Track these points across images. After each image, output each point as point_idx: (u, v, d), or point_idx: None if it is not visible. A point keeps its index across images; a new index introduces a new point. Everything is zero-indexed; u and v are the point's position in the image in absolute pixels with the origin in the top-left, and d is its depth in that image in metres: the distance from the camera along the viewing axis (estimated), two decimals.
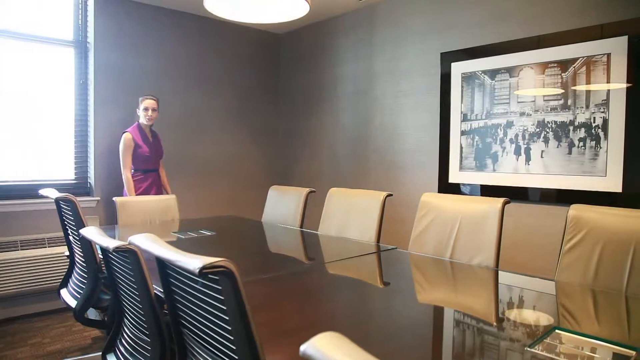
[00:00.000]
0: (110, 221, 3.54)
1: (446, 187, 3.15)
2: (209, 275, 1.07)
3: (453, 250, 2.01)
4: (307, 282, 1.70)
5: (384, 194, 2.38)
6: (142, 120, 3.38)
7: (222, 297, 1.04)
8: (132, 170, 3.37)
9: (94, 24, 3.47)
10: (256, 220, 3.10)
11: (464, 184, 3.07)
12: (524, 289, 1.67)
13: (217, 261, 0.98)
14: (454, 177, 3.11)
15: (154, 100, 3.39)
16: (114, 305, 1.87)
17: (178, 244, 2.29)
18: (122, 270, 1.61)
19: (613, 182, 2.43)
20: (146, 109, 3.35)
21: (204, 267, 0.97)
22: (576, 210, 1.74)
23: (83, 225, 2.09)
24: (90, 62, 3.50)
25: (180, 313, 1.32)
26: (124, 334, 1.82)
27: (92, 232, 1.65)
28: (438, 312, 1.43)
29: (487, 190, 2.94)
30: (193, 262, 1.01)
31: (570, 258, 1.71)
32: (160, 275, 1.32)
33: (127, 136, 3.33)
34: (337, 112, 4.05)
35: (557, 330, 1.22)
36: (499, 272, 1.82)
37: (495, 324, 1.31)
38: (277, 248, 2.46)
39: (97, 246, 1.92)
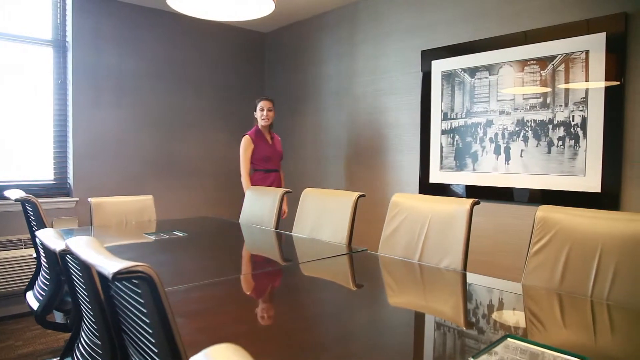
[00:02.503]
0: (89, 222, 3.50)
1: (427, 187, 3.10)
2: (133, 280, 1.03)
3: (422, 253, 1.95)
4: (267, 284, 1.65)
5: (356, 194, 2.33)
6: (260, 121, 3.44)
7: (143, 301, 1.00)
8: (253, 171, 3.47)
9: (72, 23, 3.43)
10: (233, 221, 3.05)
11: (444, 184, 3.01)
12: (488, 293, 1.62)
13: (133, 266, 0.94)
14: (435, 177, 3.05)
15: (269, 100, 3.46)
16: (75, 309, 1.83)
17: (147, 246, 2.25)
18: (76, 273, 1.57)
19: (592, 182, 2.36)
20: (262, 109, 3.41)
21: (117, 272, 0.93)
22: (544, 211, 1.68)
23: (44, 227, 2.05)
24: (68, 62, 3.46)
25: (119, 317, 1.28)
26: (81, 338, 1.78)
27: (45, 234, 1.61)
28: (392, 318, 1.38)
29: (467, 191, 2.88)
30: (110, 266, 0.96)
31: (537, 261, 1.65)
32: (99, 279, 1.29)
33: (245, 138, 3.44)
34: (319, 112, 4.00)
35: (509, 339, 1.17)
36: (466, 275, 1.77)
37: (449, 331, 1.26)
38: (245, 249, 2.41)
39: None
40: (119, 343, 1.32)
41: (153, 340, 1.01)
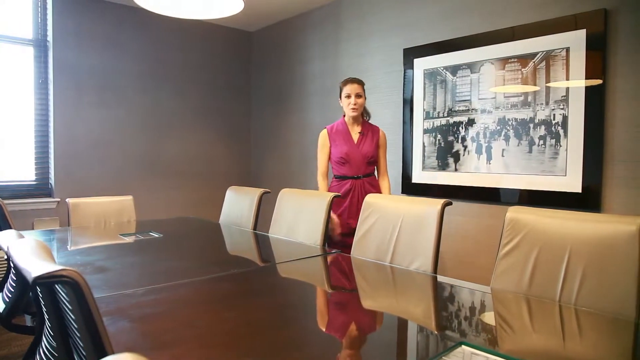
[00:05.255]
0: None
1: (410, 187, 3.05)
2: (61, 284, 1.00)
3: (393, 254, 1.91)
4: (231, 287, 1.61)
5: (331, 195, 2.28)
6: (347, 111, 2.60)
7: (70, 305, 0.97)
8: (332, 176, 2.68)
9: (53, 22, 3.40)
10: (213, 222, 3.02)
11: (427, 184, 2.96)
12: (455, 297, 1.57)
13: (56, 271, 0.90)
14: (417, 177, 3.01)
15: (357, 83, 2.57)
16: (39, 312, 1.81)
17: (118, 247, 2.21)
18: None
19: (573, 182, 2.31)
20: (348, 96, 2.56)
21: (39, 277, 0.89)
22: (514, 212, 1.64)
23: (9, 228, 2.02)
24: (49, 61, 3.43)
25: (65, 321, 1.25)
26: (43, 341, 1.75)
27: (4, 236, 1.58)
28: (356, 322, 1.34)
29: (450, 191, 2.83)
30: (33, 270, 0.92)
31: (506, 264, 1.61)
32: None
33: (321, 133, 2.68)
34: (305, 111, 3.96)
35: (463, 346, 1.12)
36: (434, 278, 1.72)
37: (408, 335, 1.22)
38: (218, 250, 2.37)
39: None
40: (67, 346, 1.29)
41: (82, 344, 0.98)
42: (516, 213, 1.63)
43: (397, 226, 1.93)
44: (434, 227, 1.80)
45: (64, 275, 0.90)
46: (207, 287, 1.60)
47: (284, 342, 1.15)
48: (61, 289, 1.08)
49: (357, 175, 2.58)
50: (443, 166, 2.86)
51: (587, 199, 2.27)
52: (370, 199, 2.09)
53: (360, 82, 2.59)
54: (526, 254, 1.57)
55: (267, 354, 1.08)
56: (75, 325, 1.02)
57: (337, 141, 2.61)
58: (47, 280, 0.90)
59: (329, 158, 2.66)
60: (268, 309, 1.41)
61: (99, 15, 3.61)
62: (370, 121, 2.71)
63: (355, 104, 2.54)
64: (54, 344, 1.50)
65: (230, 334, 1.20)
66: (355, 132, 2.62)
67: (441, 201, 1.84)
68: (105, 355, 0.94)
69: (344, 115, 2.65)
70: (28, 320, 2.34)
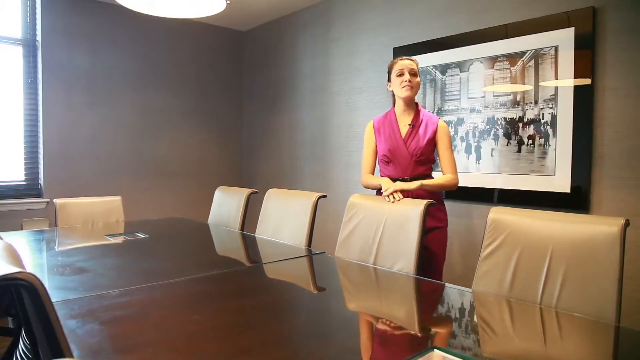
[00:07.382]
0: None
1: None
2: (19, 287, 0.98)
3: (376, 256, 1.89)
4: (209, 289, 1.59)
5: (317, 195, 2.26)
6: (398, 92, 2.14)
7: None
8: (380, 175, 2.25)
9: (42, 22, 3.38)
10: (202, 222, 2.99)
11: None
12: (435, 300, 1.55)
13: (10, 273, 0.88)
14: None
15: (411, 60, 2.15)
16: (17, 314, 1.79)
17: (101, 248, 2.19)
18: None
19: (562, 182, 2.29)
20: (400, 74, 2.11)
21: None
22: (495, 213, 1.61)
23: None
24: (38, 61, 3.41)
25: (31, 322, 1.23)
26: (20, 343, 1.74)
27: None
28: (331, 323, 1.31)
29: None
30: None
31: (487, 265, 1.58)
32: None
33: (367, 126, 2.27)
34: (295, 111, 3.94)
35: (435, 350, 1.10)
36: (416, 279, 1.70)
37: (382, 338, 1.19)
38: (202, 251, 2.35)
39: None
40: (36, 348, 1.27)
41: (41, 348, 0.96)
42: (498, 214, 1.61)
43: (380, 227, 1.91)
44: (416, 228, 1.78)
45: (18, 277, 0.88)
46: (183, 288, 1.57)
47: (252, 344, 1.13)
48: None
49: (404, 178, 2.14)
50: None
51: (576, 199, 2.24)
52: (354, 199, 2.07)
53: (415, 60, 2.16)
54: (508, 256, 1.54)
55: (232, 356, 1.05)
56: (35, 329, 1.00)
57: (382, 135, 2.19)
58: (1, 283, 0.87)
59: (376, 154, 2.24)
60: (241, 311, 1.38)
61: (88, 15, 3.59)
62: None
63: (410, 82, 2.09)
64: (28, 345, 1.48)
65: (199, 336, 1.17)
66: (404, 123, 2.17)
67: (424, 202, 1.82)
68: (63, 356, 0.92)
69: (394, 104, 2.22)
70: (11, 323, 2.32)
